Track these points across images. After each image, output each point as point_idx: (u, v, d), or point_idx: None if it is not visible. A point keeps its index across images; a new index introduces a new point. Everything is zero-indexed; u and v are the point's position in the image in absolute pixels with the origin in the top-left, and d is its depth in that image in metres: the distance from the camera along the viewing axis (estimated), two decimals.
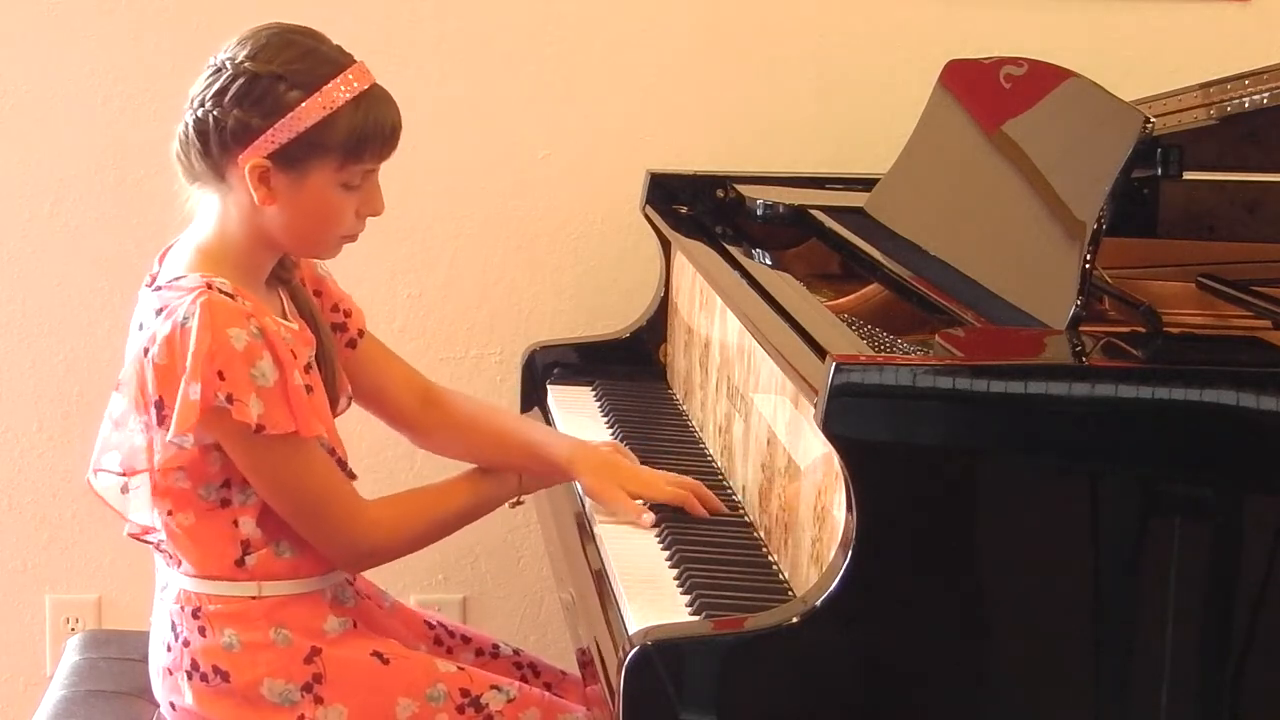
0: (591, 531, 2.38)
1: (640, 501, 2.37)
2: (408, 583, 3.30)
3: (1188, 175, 2.73)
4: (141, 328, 2.21)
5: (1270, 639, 1.97)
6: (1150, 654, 1.96)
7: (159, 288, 2.22)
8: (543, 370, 3.07)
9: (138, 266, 3.27)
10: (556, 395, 2.99)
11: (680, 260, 3.01)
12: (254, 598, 2.24)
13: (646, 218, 3.09)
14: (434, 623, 2.48)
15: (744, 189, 3.01)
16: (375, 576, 2.44)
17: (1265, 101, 2.50)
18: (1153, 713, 1.97)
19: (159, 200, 3.23)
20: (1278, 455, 1.95)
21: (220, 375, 2.12)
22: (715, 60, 3.30)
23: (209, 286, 2.17)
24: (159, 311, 2.18)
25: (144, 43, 3.22)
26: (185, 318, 2.14)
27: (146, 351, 2.17)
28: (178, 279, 2.21)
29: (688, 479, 2.43)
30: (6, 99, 3.22)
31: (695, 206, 3.06)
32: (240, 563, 2.24)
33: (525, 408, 3.05)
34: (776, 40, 3.30)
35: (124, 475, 2.24)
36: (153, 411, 2.18)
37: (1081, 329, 2.07)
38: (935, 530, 1.93)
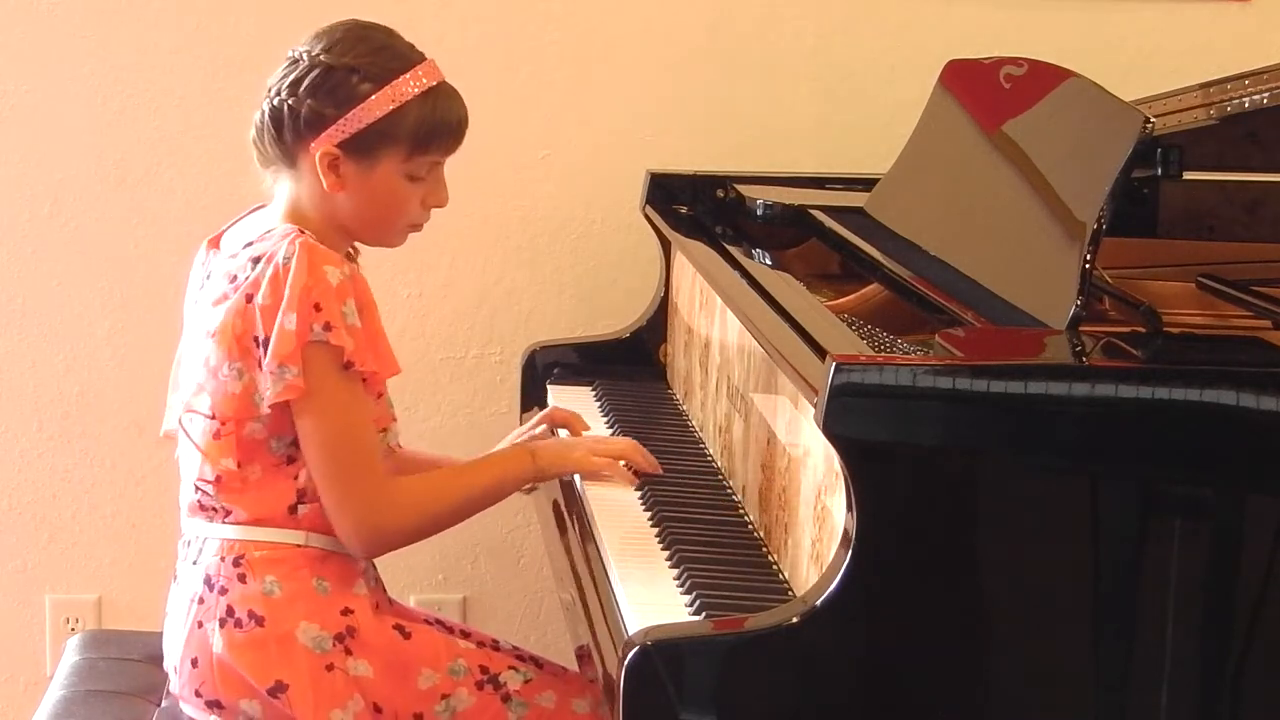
0: (592, 531, 2.38)
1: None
2: (408, 583, 3.30)
3: (1188, 175, 2.72)
4: (234, 279, 2.26)
5: (1270, 639, 1.97)
6: (1150, 654, 1.96)
7: (250, 243, 2.29)
8: (543, 370, 3.07)
9: (138, 266, 3.28)
10: (556, 395, 2.99)
11: (680, 260, 3.01)
12: (299, 546, 2.29)
13: (646, 218, 3.09)
14: (433, 619, 2.49)
15: (744, 189, 3.01)
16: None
17: (1265, 101, 2.50)
18: (1153, 713, 1.97)
19: (159, 200, 3.25)
20: (1278, 455, 1.95)
21: (317, 307, 2.21)
22: (715, 60, 3.30)
23: (301, 232, 2.26)
24: (256, 260, 2.25)
25: (144, 43, 3.22)
26: (286, 257, 2.23)
27: (250, 298, 2.24)
28: (268, 231, 2.30)
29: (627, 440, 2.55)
30: (6, 99, 3.22)
31: (695, 206, 3.06)
32: (293, 510, 2.29)
33: (525, 408, 3.05)
34: (776, 40, 3.30)
35: (214, 419, 2.27)
36: (259, 351, 2.23)
37: (1081, 329, 2.07)
38: (935, 530, 1.93)
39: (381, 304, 3.23)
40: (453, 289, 3.32)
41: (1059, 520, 1.94)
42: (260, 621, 2.26)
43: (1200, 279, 2.45)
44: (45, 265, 3.26)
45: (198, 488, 2.32)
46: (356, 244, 2.42)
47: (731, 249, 2.74)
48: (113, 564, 3.35)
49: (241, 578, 2.28)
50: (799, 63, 3.30)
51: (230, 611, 2.27)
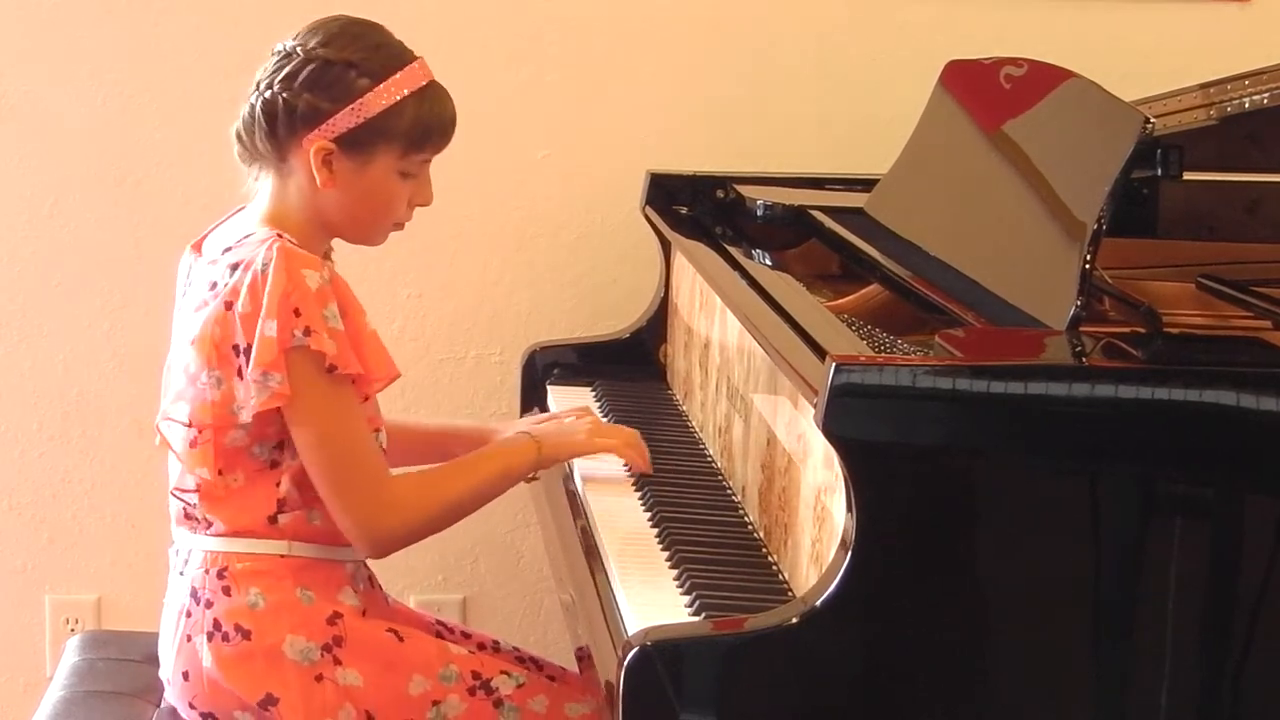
0: (592, 532, 2.38)
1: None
2: (408, 583, 3.30)
3: (1188, 175, 2.72)
4: (214, 286, 2.25)
5: (1270, 639, 1.97)
6: (1150, 654, 1.96)
7: (228, 248, 2.28)
8: (543, 370, 3.07)
9: (138, 267, 3.28)
10: (556, 395, 2.99)
11: (680, 260, 3.01)
12: (282, 556, 2.28)
13: (646, 218, 3.09)
14: (434, 620, 2.49)
15: (744, 189, 3.01)
16: (376, 575, 2.44)
17: (1265, 101, 2.50)
18: (1153, 713, 1.97)
19: (159, 200, 3.25)
20: (1278, 455, 1.95)
21: (296, 312, 2.19)
22: (715, 60, 3.30)
23: (279, 236, 2.25)
24: (235, 267, 2.24)
25: (144, 43, 3.22)
26: (264, 264, 2.21)
27: (230, 305, 2.22)
28: (246, 236, 2.28)
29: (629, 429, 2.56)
30: (6, 99, 3.22)
31: (695, 206, 3.06)
32: (274, 519, 2.28)
33: (525, 408, 3.05)
34: (776, 40, 3.30)
35: (191, 427, 2.27)
36: (239, 359, 2.22)
37: (1081, 329, 2.07)
38: (935, 530, 1.93)
39: (381, 304, 3.27)
40: (453, 289, 3.32)
41: (1059, 521, 1.94)
42: (247, 635, 2.26)
43: (1200, 279, 2.45)
44: (45, 265, 3.26)
45: (179, 497, 2.31)
46: (333, 244, 2.40)
47: (731, 249, 2.74)
48: (113, 564, 3.35)
49: (226, 590, 2.27)
50: (799, 63, 3.30)
51: (217, 625, 2.26)
